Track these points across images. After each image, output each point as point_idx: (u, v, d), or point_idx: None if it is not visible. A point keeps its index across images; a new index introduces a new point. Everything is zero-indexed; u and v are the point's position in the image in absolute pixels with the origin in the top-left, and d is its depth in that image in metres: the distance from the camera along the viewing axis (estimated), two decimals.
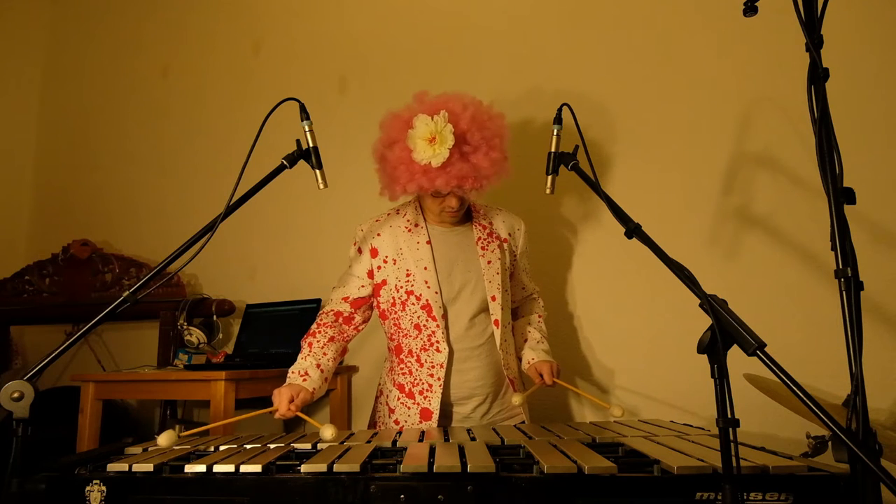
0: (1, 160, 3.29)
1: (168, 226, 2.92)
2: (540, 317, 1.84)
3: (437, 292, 1.60)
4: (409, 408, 1.61)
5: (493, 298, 1.63)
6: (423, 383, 1.60)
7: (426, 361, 1.60)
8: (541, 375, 1.65)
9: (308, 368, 1.51)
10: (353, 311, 1.68)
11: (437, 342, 1.59)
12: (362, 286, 1.67)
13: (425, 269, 1.61)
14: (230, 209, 1.30)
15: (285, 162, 1.38)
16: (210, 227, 1.27)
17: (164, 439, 1.24)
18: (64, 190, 3.26)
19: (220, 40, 2.98)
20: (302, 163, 1.40)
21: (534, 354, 1.72)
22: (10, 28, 3.40)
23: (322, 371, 1.53)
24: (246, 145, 1.34)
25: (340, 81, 2.66)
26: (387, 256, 1.64)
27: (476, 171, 1.49)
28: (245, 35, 2.91)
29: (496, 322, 1.63)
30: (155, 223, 2.97)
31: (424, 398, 1.59)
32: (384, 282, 1.65)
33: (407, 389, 1.62)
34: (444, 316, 1.61)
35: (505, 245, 1.71)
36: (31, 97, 3.44)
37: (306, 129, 1.41)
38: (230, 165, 2.61)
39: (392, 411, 1.65)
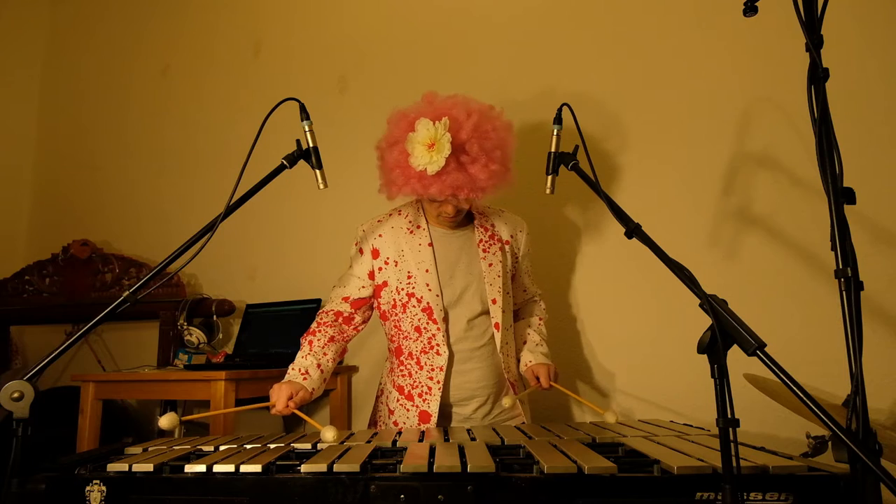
0: (1, 160, 3.29)
1: (168, 226, 2.92)
2: (541, 319, 1.82)
3: (438, 295, 1.59)
4: (407, 410, 1.61)
5: (494, 301, 1.62)
6: (422, 386, 1.60)
7: (426, 364, 1.60)
8: (537, 378, 1.63)
9: (309, 367, 1.51)
10: (353, 311, 1.67)
11: (438, 345, 1.59)
12: (363, 287, 1.67)
13: (427, 271, 1.60)
14: (230, 209, 1.30)
15: (285, 162, 1.38)
16: (210, 227, 1.27)
17: (165, 421, 1.26)
18: (64, 190, 3.26)
19: (220, 40, 2.98)
20: (302, 163, 1.40)
21: (531, 357, 1.71)
22: (9, 28, 3.40)
23: (322, 371, 1.53)
24: (246, 145, 1.34)
25: (340, 81, 2.66)
26: (388, 258, 1.64)
27: (472, 181, 1.46)
28: (245, 35, 2.91)
29: (496, 325, 1.62)
30: (155, 223, 2.97)
31: (423, 401, 1.59)
32: (385, 283, 1.64)
33: (406, 391, 1.62)
34: (445, 319, 1.60)
35: (507, 247, 1.70)
36: (30, 97, 3.44)
37: (306, 129, 1.41)
38: (230, 165, 2.61)
39: (392, 412, 1.65)
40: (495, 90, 2.34)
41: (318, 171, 1.41)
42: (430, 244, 1.63)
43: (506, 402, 1.57)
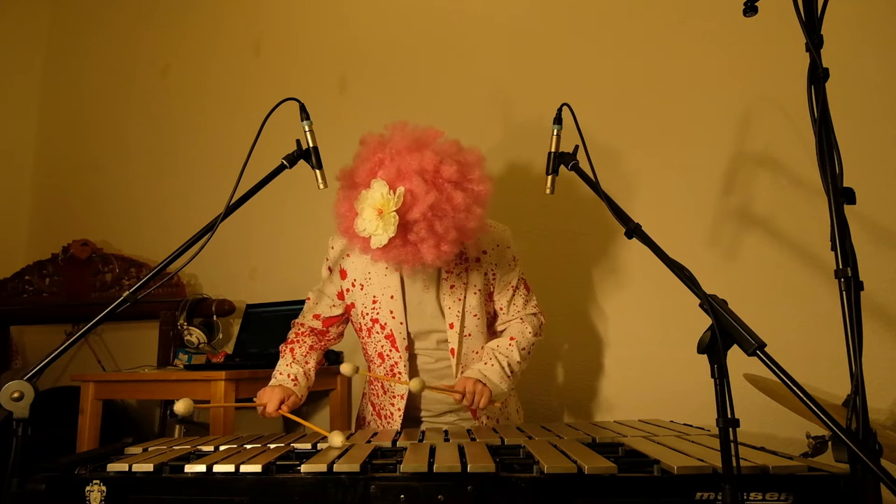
0: (1, 160, 3.28)
1: (168, 226, 2.92)
2: (511, 339, 1.57)
3: (402, 323, 1.54)
4: (378, 427, 1.64)
5: (451, 326, 1.54)
6: (386, 409, 1.61)
7: (388, 390, 1.60)
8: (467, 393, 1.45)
9: (297, 374, 1.52)
10: (325, 328, 1.66)
11: (399, 373, 1.55)
12: (333, 306, 1.64)
13: (392, 297, 1.54)
14: (230, 209, 1.30)
15: (285, 162, 1.38)
16: (210, 227, 1.27)
17: (181, 406, 1.22)
18: (64, 190, 3.26)
19: (220, 40, 2.98)
20: (302, 163, 1.40)
21: (468, 371, 1.52)
22: (10, 28, 3.39)
23: (308, 380, 1.55)
24: (246, 145, 1.34)
25: (340, 81, 2.66)
26: (355, 280, 1.58)
27: (418, 257, 1.34)
28: (245, 35, 2.91)
29: (452, 351, 1.55)
30: (155, 223, 2.97)
31: (388, 423, 1.61)
32: (353, 304, 1.61)
33: (376, 409, 1.65)
34: (409, 347, 1.56)
35: (477, 264, 1.57)
36: (30, 97, 3.43)
37: (306, 129, 1.41)
38: (230, 165, 2.60)
39: (368, 423, 1.70)
40: (495, 90, 2.35)
41: (318, 171, 1.40)
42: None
43: (412, 384, 1.38)
